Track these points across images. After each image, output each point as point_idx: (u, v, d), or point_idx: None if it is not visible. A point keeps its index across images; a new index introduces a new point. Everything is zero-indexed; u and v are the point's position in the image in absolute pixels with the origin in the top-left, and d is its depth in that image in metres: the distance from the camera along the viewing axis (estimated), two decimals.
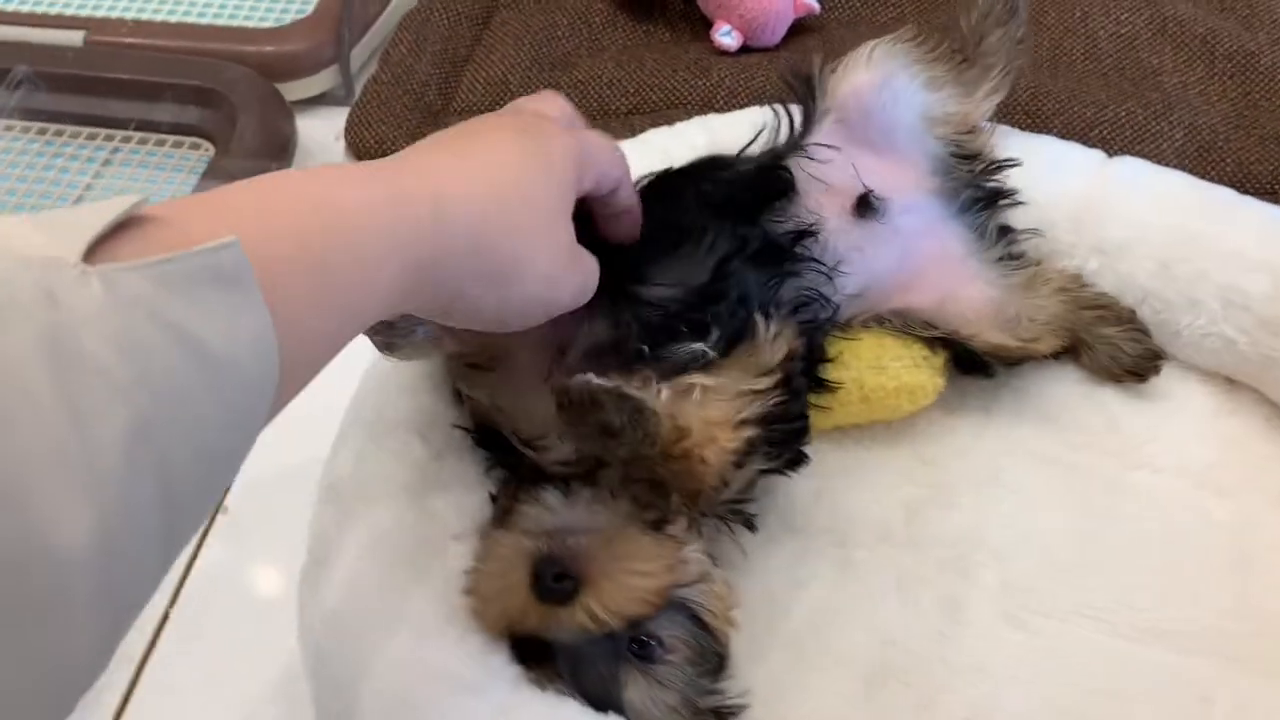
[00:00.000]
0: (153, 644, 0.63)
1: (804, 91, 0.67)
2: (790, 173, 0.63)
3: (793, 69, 0.68)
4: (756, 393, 0.52)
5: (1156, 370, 0.67)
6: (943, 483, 0.65)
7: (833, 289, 0.61)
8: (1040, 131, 0.79)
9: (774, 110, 0.67)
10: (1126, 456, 0.66)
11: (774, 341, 0.54)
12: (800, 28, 0.92)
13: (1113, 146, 0.80)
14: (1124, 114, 0.82)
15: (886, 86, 0.65)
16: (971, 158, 0.67)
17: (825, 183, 0.63)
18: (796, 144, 0.65)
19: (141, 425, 0.26)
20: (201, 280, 0.29)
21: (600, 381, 0.47)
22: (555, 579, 0.47)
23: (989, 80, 0.69)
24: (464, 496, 0.56)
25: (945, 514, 0.64)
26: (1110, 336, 0.67)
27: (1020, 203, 0.68)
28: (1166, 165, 0.74)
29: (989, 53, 0.69)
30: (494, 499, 0.56)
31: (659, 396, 0.50)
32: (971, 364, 0.66)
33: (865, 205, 0.63)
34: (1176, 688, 0.57)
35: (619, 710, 0.50)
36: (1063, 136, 0.77)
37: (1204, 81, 0.86)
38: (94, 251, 0.28)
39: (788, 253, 0.60)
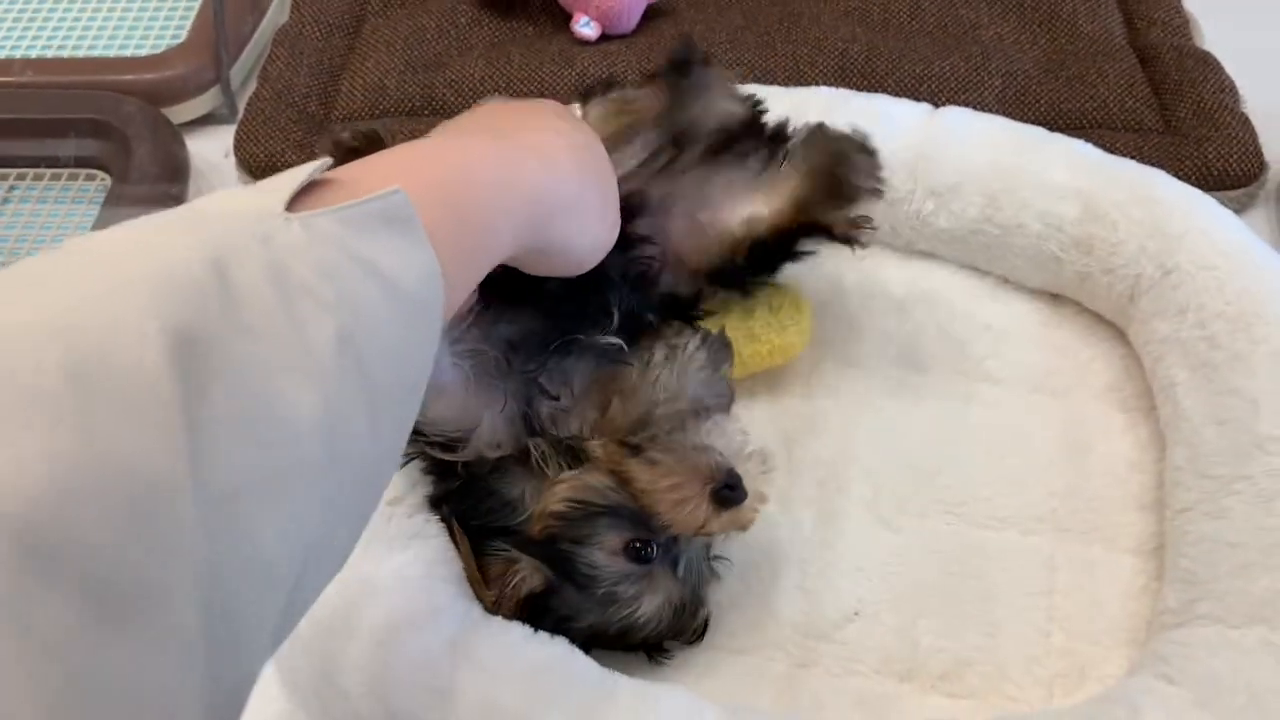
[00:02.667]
0: None
1: None
2: None
3: None
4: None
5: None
6: (815, 413, 0.73)
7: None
8: (876, 89, 0.88)
9: None
10: (971, 373, 0.75)
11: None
12: (654, 12, 0.99)
13: (940, 98, 0.89)
14: (948, 68, 0.92)
15: None
16: None
17: None
18: None
19: (344, 332, 0.33)
20: (376, 221, 0.36)
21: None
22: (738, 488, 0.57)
23: None
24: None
25: (819, 439, 0.72)
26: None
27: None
28: (989, 111, 0.83)
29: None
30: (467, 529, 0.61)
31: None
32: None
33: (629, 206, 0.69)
34: (1024, 560, 0.66)
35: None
36: (896, 93, 0.85)
37: (1017, 32, 0.96)
38: (291, 205, 0.35)
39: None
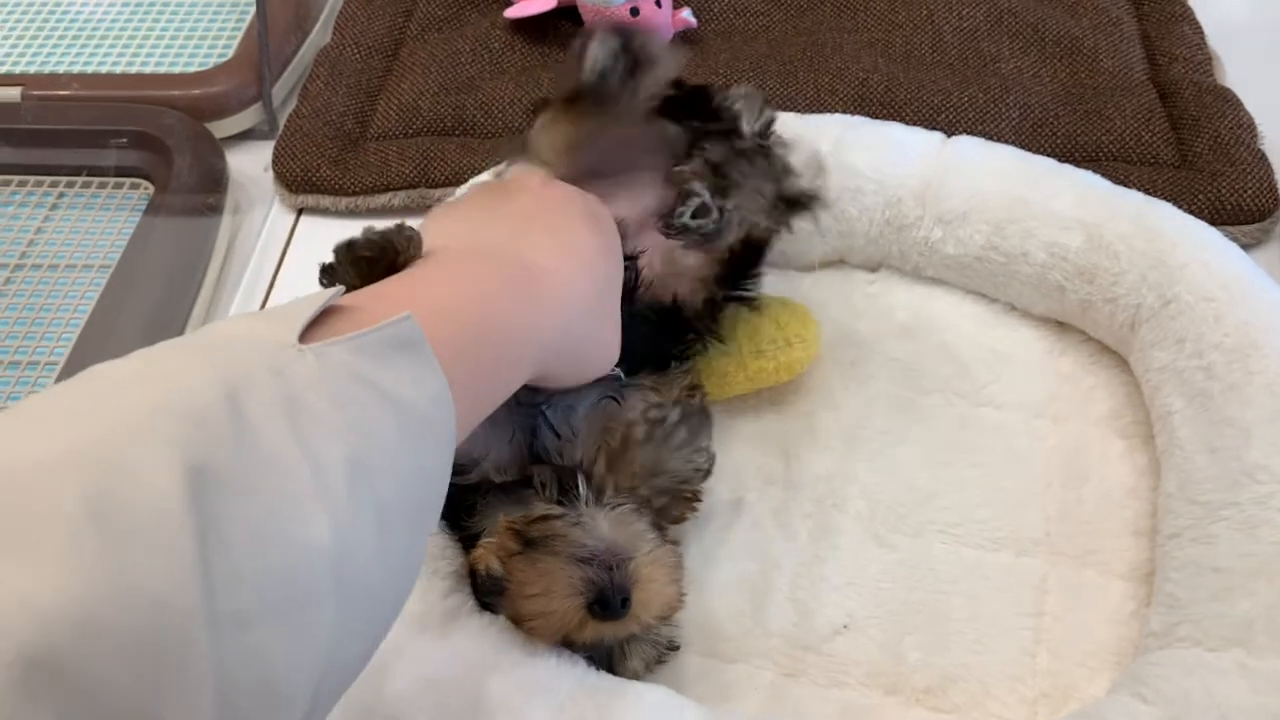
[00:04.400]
0: None
1: None
2: None
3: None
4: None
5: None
6: (817, 430, 0.75)
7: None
8: (894, 117, 0.89)
9: None
10: (974, 396, 0.76)
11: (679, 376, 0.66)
12: (679, 40, 1.02)
13: (957, 128, 0.90)
14: (966, 99, 0.93)
15: None
16: None
17: None
18: None
19: (355, 458, 0.35)
20: (388, 348, 0.38)
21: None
22: (621, 604, 0.54)
23: None
24: None
25: (820, 456, 0.73)
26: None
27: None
28: (1005, 142, 0.84)
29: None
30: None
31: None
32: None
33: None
34: (1015, 582, 0.67)
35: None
36: (914, 121, 0.87)
37: (1037, 66, 0.97)
38: (305, 334, 0.37)
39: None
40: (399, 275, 0.45)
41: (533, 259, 0.50)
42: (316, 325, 0.38)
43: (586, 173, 0.65)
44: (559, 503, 0.58)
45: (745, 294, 0.72)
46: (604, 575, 0.54)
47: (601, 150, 0.66)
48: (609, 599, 0.54)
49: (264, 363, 0.34)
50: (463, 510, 0.60)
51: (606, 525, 0.56)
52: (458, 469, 0.60)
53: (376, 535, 0.35)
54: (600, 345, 0.55)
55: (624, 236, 0.62)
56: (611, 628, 0.56)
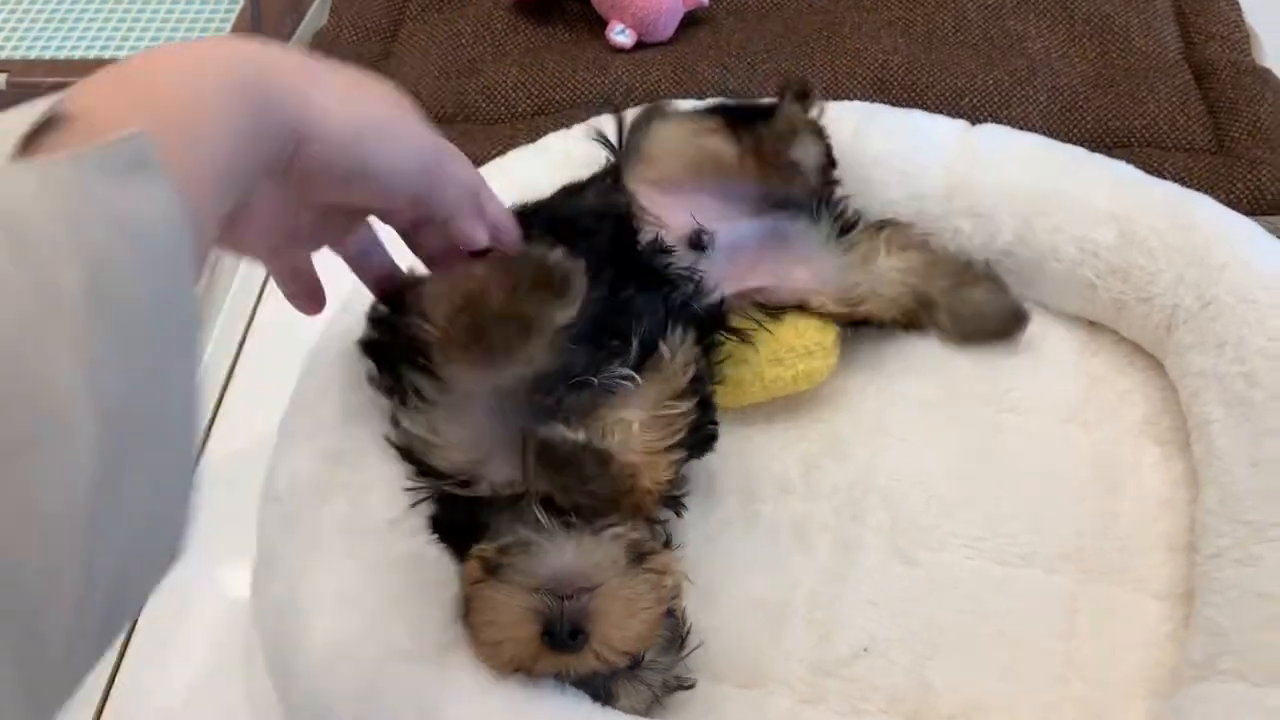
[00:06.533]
0: (122, 655, 0.67)
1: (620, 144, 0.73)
2: (627, 212, 0.67)
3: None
4: (677, 415, 0.59)
5: (1021, 328, 0.74)
6: (835, 436, 0.71)
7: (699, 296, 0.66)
8: (915, 102, 0.86)
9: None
10: (999, 401, 0.73)
11: (681, 365, 0.61)
12: (691, 20, 0.97)
13: (982, 112, 0.87)
14: (991, 81, 0.89)
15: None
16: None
17: (657, 217, 0.68)
18: (610, 188, 0.69)
19: (91, 280, 0.31)
20: (115, 166, 0.34)
21: (575, 437, 0.53)
22: (570, 635, 0.51)
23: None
24: (391, 486, 0.61)
25: (839, 464, 0.70)
26: (972, 299, 0.73)
27: (836, 181, 0.73)
28: (1032, 126, 0.81)
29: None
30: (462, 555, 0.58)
31: (613, 439, 0.55)
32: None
33: (697, 240, 0.68)
34: (1044, 601, 0.64)
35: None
36: (936, 106, 0.83)
37: (1065, 45, 0.93)
38: (27, 147, 0.33)
39: (659, 272, 0.65)
40: (102, 73, 0.40)
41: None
42: (40, 137, 0.34)
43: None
44: (538, 525, 0.55)
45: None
46: (554, 605, 0.51)
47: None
48: (555, 631, 0.51)
49: None
50: (474, 531, 0.57)
51: (570, 553, 0.53)
52: (460, 481, 0.58)
53: (122, 350, 0.32)
54: (353, 103, 0.46)
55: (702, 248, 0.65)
56: (569, 661, 0.52)
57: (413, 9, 1.03)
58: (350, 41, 1.00)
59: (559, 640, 0.51)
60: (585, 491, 0.54)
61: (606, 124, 0.78)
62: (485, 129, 0.92)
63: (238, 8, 1.03)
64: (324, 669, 0.55)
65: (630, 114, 0.74)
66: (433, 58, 0.97)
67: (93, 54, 1.01)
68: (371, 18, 1.02)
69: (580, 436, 0.53)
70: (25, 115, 0.34)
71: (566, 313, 0.51)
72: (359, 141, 0.45)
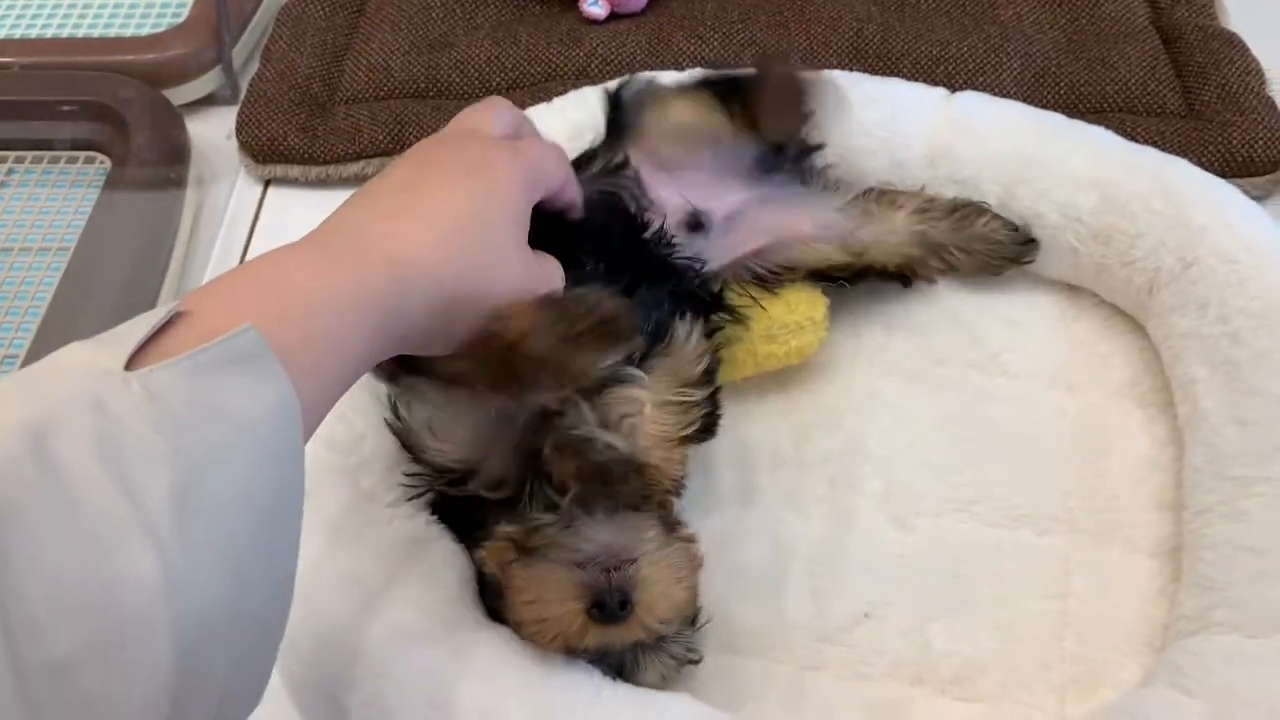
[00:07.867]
0: None
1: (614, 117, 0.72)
2: (621, 196, 0.66)
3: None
4: (691, 404, 0.59)
5: (1034, 250, 0.73)
6: (826, 407, 0.72)
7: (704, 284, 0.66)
8: (891, 70, 0.86)
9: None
10: (986, 366, 0.73)
11: (694, 354, 0.60)
12: None
13: (957, 80, 0.87)
14: (965, 49, 0.89)
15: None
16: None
17: (652, 200, 0.67)
18: (616, 168, 0.68)
19: (184, 485, 0.33)
20: (226, 363, 0.36)
21: (613, 444, 0.53)
22: (619, 607, 0.51)
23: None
24: (392, 469, 0.61)
25: (831, 435, 0.70)
26: (981, 231, 0.73)
27: (821, 145, 0.73)
28: (1006, 93, 0.81)
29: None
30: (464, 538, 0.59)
31: (630, 436, 0.55)
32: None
33: (694, 223, 0.68)
34: (1038, 562, 0.65)
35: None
36: (912, 74, 0.83)
37: (1036, 12, 0.93)
38: (138, 355, 0.35)
39: (660, 258, 0.64)
40: (231, 272, 0.43)
41: (369, 228, 0.47)
42: (160, 338, 0.36)
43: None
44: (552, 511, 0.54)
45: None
46: (601, 578, 0.51)
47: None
48: (606, 601, 0.51)
49: (83, 396, 0.33)
50: (471, 527, 0.56)
51: (604, 528, 0.53)
52: (453, 479, 0.57)
53: (219, 558, 0.34)
54: (466, 304, 0.48)
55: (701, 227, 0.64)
56: (615, 633, 0.52)
57: None
58: (316, 16, 0.97)
59: (609, 612, 0.51)
60: (611, 494, 0.53)
61: (589, 97, 0.78)
62: (460, 104, 0.89)
63: None
64: (330, 649, 0.55)
65: (613, 85, 0.73)
66: (403, 32, 0.96)
67: (49, 32, 0.98)
68: None
69: (621, 445, 0.53)
70: (139, 325, 0.36)
71: (610, 360, 0.51)
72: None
